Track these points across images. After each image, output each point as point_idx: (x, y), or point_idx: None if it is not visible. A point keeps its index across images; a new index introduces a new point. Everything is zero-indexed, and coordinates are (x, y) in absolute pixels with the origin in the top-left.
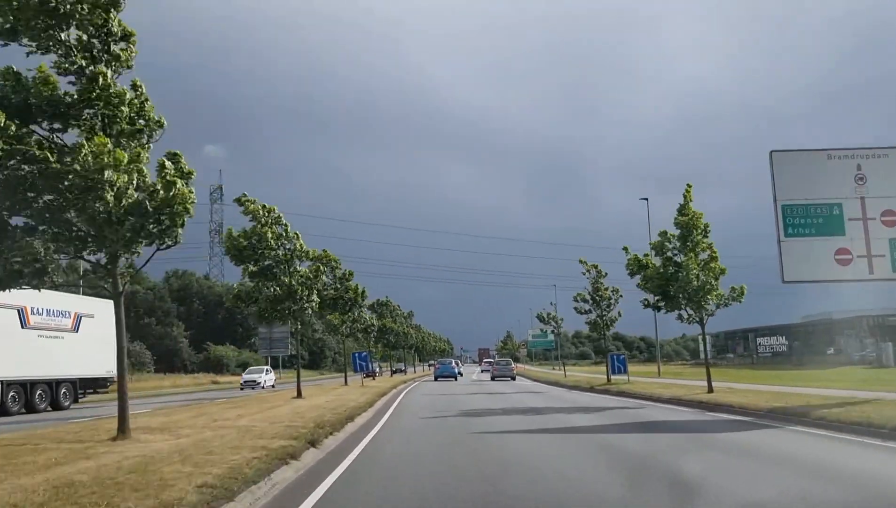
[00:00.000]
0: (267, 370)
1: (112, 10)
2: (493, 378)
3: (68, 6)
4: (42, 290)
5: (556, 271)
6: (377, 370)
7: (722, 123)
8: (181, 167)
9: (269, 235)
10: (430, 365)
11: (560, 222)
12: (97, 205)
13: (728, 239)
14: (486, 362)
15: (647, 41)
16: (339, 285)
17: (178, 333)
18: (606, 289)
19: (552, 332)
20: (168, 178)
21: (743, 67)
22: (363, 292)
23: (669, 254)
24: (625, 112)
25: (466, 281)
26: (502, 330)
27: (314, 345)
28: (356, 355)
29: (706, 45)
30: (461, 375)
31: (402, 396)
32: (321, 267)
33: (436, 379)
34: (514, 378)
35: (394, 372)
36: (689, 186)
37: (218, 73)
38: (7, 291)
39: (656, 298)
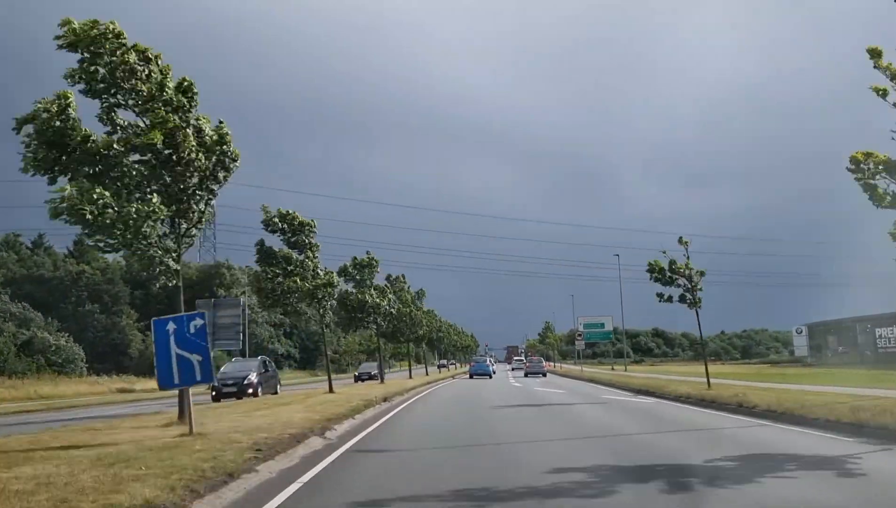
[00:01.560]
0: None
1: None
2: (526, 375)
3: None
4: None
5: (580, 266)
6: (257, 378)
7: (749, 118)
8: None
9: None
10: (440, 366)
11: (584, 218)
12: None
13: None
14: (516, 360)
15: (673, 37)
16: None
17: (129, 324)
18: None
19: (683, 295)
20: None
21: (773, 62)
22: (224, 141)
23: None
24: (648, 109)
25: (488, 271)
26: (527, 328)
27: (307, 339)
28: (161, 323)
29: (733, 40)
30: (494, 373)
31: None
32: None
33: (471, 377)
34: (545, 375)
35: (361, 378)
36: None
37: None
38: None
39: None
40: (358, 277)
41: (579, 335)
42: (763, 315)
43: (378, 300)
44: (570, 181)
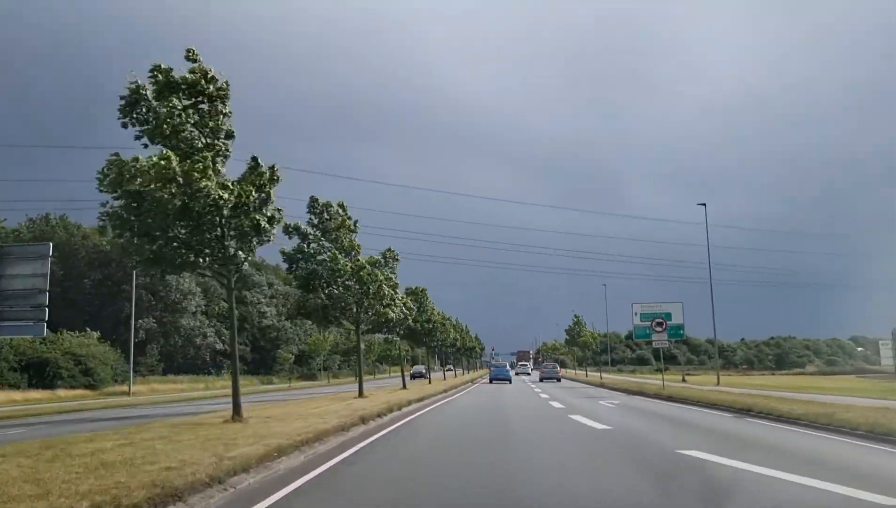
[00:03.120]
0: None
1: None
2: (541, 380)
3: None
4: None
5: (586, 271)
6: None
7: (756, 127)
8: None
9: None
10: (415, 376)
11: (589, 224)
12: None
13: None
14: (521, 364)
15: (679, 50)
16: None
17: None
18: None
19: None
20: None
21: (777, 71)
22: None
23: None
24: (652, 117)
25: (491, 270)
26: (534, 333)
27: (261, 336)
28: None
29: (736, 51)
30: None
31: None
32: None
33: (491, 381)
34: (559, 380)
35: None
36: None
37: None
38: None
39: None
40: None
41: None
42: (785, 322)
43: (219, 191)
44: (578, 185)
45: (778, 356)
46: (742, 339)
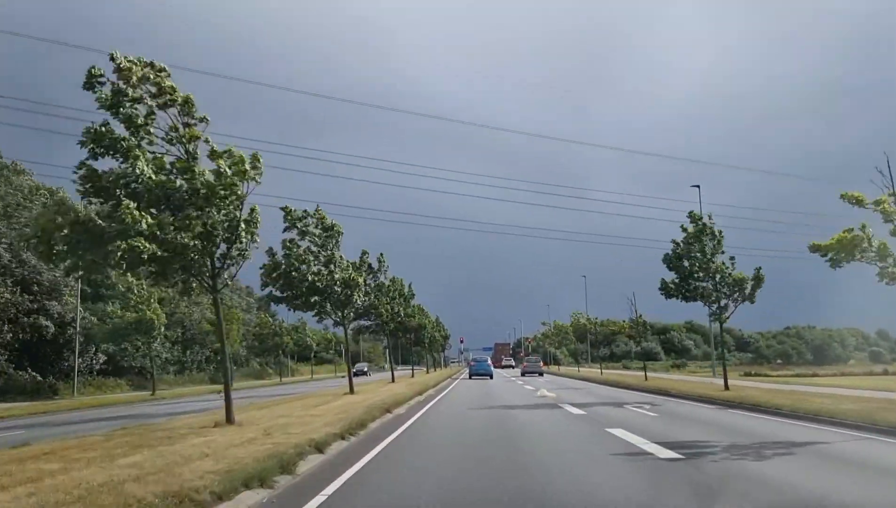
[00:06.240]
0: None
1: None
2: (523, 374)
3: None
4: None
5: (560, 266)
6: None
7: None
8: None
9: None
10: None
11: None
12: None
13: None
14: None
15: (644, 45)
16: None
17: None
18: None
19: None
20: None
21: (745, 73)
22: None
23: None
24: (618, 114)
25: (461, 258)
26: (510, 326)
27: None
28: None
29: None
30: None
31: None
32: None
33: (470, 377)
34: (541, 374)
35: None
36: None
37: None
38: None
39: None
40: None
41: None
42: (773, 312)
43: None
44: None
45: (817, 349)
46: (739, 329)
